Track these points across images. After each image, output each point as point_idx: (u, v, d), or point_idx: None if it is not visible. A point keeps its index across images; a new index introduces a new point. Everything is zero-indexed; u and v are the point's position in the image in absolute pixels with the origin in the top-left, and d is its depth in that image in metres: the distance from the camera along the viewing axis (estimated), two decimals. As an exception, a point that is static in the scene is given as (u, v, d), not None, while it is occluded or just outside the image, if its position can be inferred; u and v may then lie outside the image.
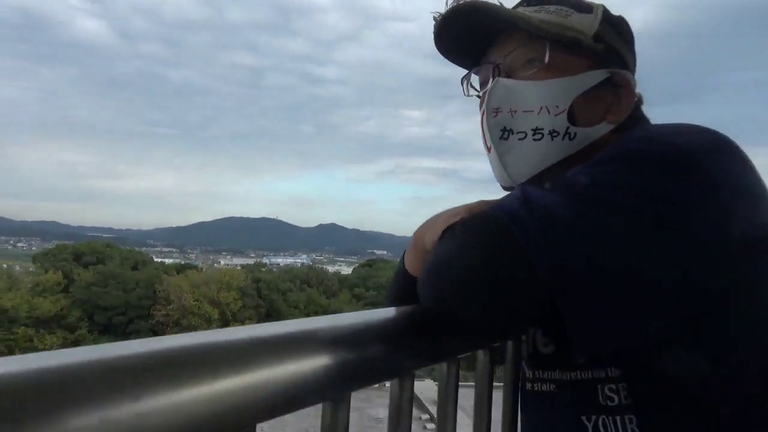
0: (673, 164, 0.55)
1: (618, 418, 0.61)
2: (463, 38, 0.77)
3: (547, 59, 0.71)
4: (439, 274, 0.57)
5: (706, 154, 0.56)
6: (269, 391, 0.37)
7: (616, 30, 0.75)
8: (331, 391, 0.44)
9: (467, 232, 0.57)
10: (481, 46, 0.78)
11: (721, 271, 0.54)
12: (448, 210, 0.67)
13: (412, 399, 0.55)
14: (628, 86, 0.73)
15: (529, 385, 0.73)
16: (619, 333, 0.55)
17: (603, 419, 0.62)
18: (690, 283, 0.53)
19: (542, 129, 0.71)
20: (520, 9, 0.75)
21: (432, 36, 0.78)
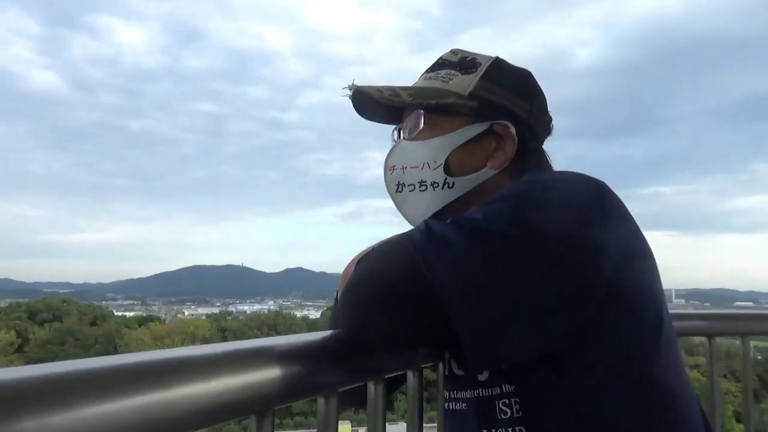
0: (551, 204, 0.65)
1: (510, 430, 0.69)
2: (377, 110, 0.89)
3: (421, 125, 0.84)
4: (351, 294, 0.64)
5: (580, 196, 0.67)
6: (195, 405, 0.43)
7: (500, 83, 0.85)
8: (257, 405, 0.50)
9: (375, 258, 0.65)
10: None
11: (596, 292, 0.63)
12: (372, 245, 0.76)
13: (337, 418, 0.60)
14: (508, 134, 0.83)
15: (447, 405, 0.80)
16: (506, 349, 0.62)
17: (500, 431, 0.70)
18: (567, 303, 0.62)
19: (425, 181, 0.83)
20: (421, 76, 0.88)
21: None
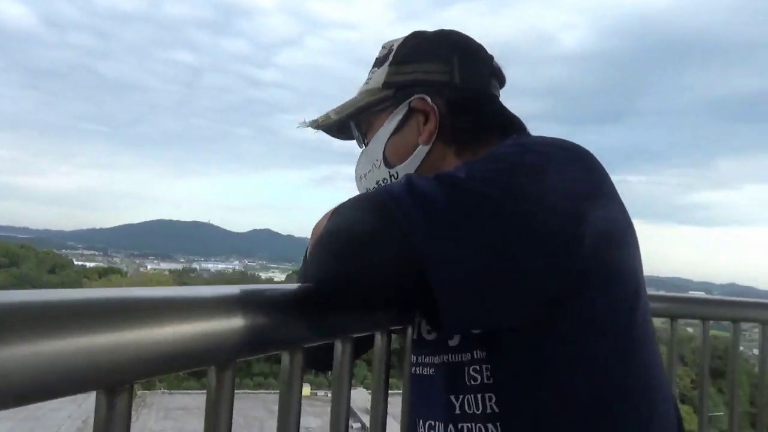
0: (538, 168, 0.62)
1: (479, 396, 0.68)
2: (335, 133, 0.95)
3: (355, 133, 0.91)
4: (323, 246, 0.61)
5: (567, 163, 0.65)
6: (151, 350, 0.39)
7: (410, 60, 0.84)
8: (216, 356, 0.46)
9: (350, 210, 0.62)
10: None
11: (575, 261, 0.61)
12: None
13: (302, 375, 0.58)
14: (427, 106, 0.81)
15: (413, 369, 0.78)
16: (481, 313, 0.61)
17: (468, 398, 0.69)
18: (546, 271, 0.60)
19: (379, 181, 0.85)
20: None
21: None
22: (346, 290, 0.59)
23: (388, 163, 0.84)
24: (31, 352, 0.32)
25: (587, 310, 0.64)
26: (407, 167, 0.82)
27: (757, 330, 1.44)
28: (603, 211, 0.65)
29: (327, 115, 0.89)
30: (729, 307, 1.45)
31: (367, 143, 0.89)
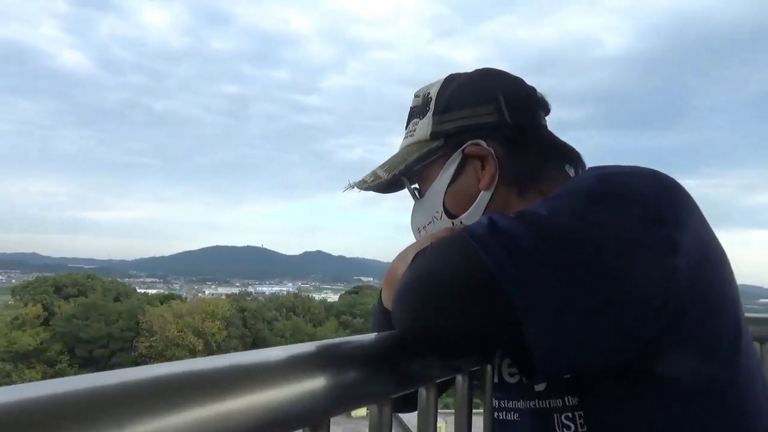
0: (622, 199, 0.59)
1: None
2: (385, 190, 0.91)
3: (408, 188, 0.86)
4: (410, 294, 0.59)
5: (653, 192, 0.61)
6: (245, 421, 0.38)
7: (453, 107, 0.81)
8: (310, 417, 0.45)
9: (435, 254, 0.59)
10: None
11: (671, 294, 0.57)
12: (416, 242, 0.70)
13: (391, 424, 0.56)
14: (481, 150, 0.78)
15: (495, 414, 0.75)
16: (577, 354, 0.57)
17: None
18: (643, 307, 0.56)
19: None
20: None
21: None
22: (434, 339, 0.57)
23: (450, 214, 0.81)
24: None
25: (687, 345, 0.59)
26: (471, 216, 0.79)
27: None
28: (695, 238, 0.60)
29: (375, 174, 0.86)
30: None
31: (422, 195, 0.86)
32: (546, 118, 0.85)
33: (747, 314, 1.40)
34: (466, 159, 0.80)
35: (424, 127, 0.83)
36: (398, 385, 0.56)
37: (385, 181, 0.84)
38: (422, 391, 0.63)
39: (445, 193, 0.81)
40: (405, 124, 0.89)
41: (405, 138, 0.87)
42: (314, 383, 0.45)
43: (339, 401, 0.47)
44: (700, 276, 0.59)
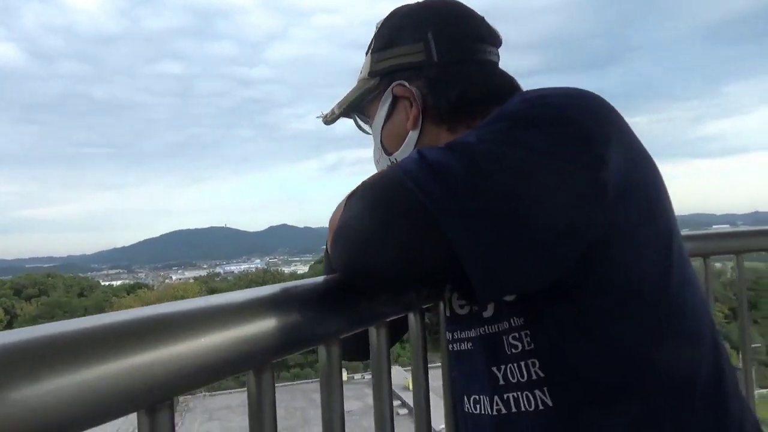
0: (549, 120, 0.60)
1: (522, 364, 0.66)
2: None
3: (359, 126, 0.93)
4: (345, 236, 0.60)
5: (579, 110, 0.62)
6: (187, 364, 0.39)
7: (388, 44, 0.83)
8: (253, 360, 0.46)
9: (368, 194, 0.60)
10: None
11: (602, 209, 0.59)
12: None
13: (341, 367, 0.57)
14: (406, 91, 0.81)
15: (450, 346, 0.77)
16: (514, 276, 0.58)
17: (510, 367, 0.67)
18: (575, 223, 0.58)
19: (384, 168, 0.84)
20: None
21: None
22: (374, 277, 0.58)
23: (387, 151, 0.85)
24: (68, 383, 0.32)
25: (620, 258, 0.62)
26: (402, 154, 0.81)
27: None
28: (624, 154, 0.62)
29: (332, 110, 0.91)
30: (764, 237, 1.42)
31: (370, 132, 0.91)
32: (498, 52, 0.85)
33: (688, 232, 1.47)
34: (396, 99, 0.82)
35: (366, 65, 0.86)
36: (344, 326, 0.57)
37: (338, 117, 0.91)
38: (372, 331, 0.65)
39: (382, 130, 0.85)
40: None
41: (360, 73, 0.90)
42: (256, 327, 0.45)
43: (283, 344, 0.48)
44: (630, 190, 0.62)
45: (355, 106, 0.89)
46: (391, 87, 0.82)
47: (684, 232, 1.52)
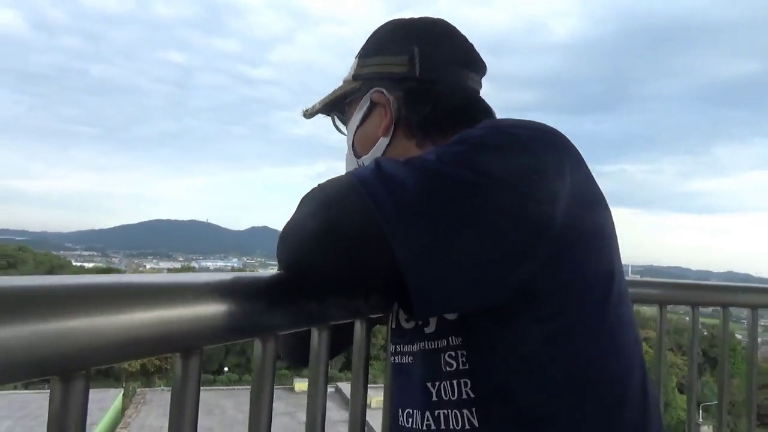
0: (508, 149, 0.61)
1: (455, 382, 0.67)
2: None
3: (335, 124, 0.94)
4: (291, 234, 0.60)
5: (538, 143, 0.63)
6: (108, 336, 0.39)
7: (374, 52, 0.86)
8: (181, 343, 0.46)
9: (318, 195, 0.61)
10: None
11: (546, 241, 0.60)
12: None
13: (275, 362, 0.57)
14: (383, 99, 0.83)
15: (393, 358, 0.78)
16: (452, 297, 0.59)
17: (443, 384, 0.68)
18: (517, 252, 0.59)
19: (350, 170, 0.85)
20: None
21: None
22: (316, 276, 0.59)
23: (356, 154, 0.87)
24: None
25: (559, 290, 0.63)
26: (370, 158, 0.83)
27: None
28: (576, 192, 0.64)
29: (314, 105, 0.92)
30: (718, 292, 1.45)
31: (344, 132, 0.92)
32: (481, 80, 0.87)
33: (647, 279, 1.49)
34: (373, 105, 0.84)
35: (352, 68, 0.88)
36: (284, 322, 0.57)
37: (318, 112, 0.92)
38: (314, 332, 0.65)
39: (355, 132, 0.87)
40: None
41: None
42: (192, 310, 0.45)
43: (216, 331, 0.48)
44: (576, 227, 0.63)
45: (335, 105, 0.90)
46: (370, 92, 0.83)
47: (644, 278, 1.55)
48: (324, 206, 0.59)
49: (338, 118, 0.94)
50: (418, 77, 0.80)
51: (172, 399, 0.47)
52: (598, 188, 0.69)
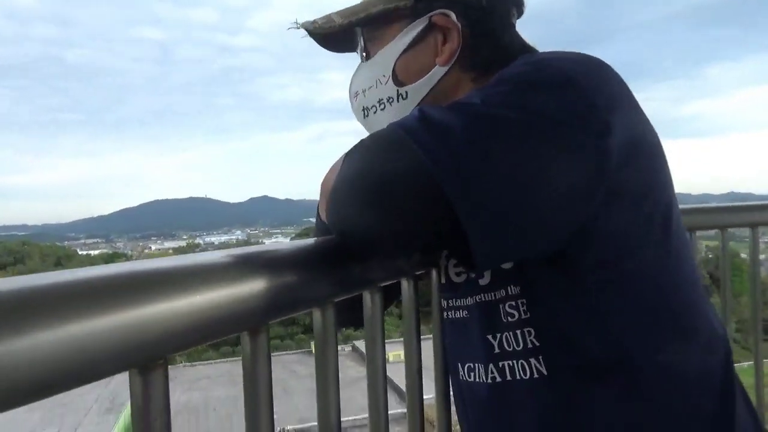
0: (555, 85, 0.58)
1: (519, 332, 0.66)
2: (331, 41, 0.84)
3: (361, 43, 0.81)
4: (340, 195, 0.58)
5: (584, 75, 0.60)
6: (182, 322, 0.37)
7: None
8: (248, 321, 0.44)
9: (365, 151, 0.58)
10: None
11: (603, 178, 0.58)
12: None
13: (335, 329, 0.56)
14: (450, 23, 0.74)
15: (445, 314, 0.77)
16: (513, 243, 0.57)
17: (506, 335, 0.67)
18: (577, 190, 0.57)
19: (383, 99, 0.79)
20: None
21: None
22: (374, 239, 0.56)
23: (398, 81, 0.77)
24: (55, 337, 0.30)
25: (619, 228, 0.61)
26: (419, 88, 0.76)
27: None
28: (628, 122, 0.61)
29: (329, 18, 0.79)
30: (747, 213, 1.45)
31: (369, 55, 0.80)
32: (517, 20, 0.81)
33: (680, 206, 1.48)
34: (430, 28, 0.75)
35: None
36: (338, 289, 0.56)
37: (338, 28, 0.78)
38: (366, 296, 0.63)
39: (399, 57, 0.77)
40: None
41: None
42: (251, 287, 0.44)
43: (277, 306, 0.46)
44: (631, 158, 0.60)
45: (367, 22, 0.78)
46: (431, 13, 0.75)
47: (702, 204, 1.54)
48: (372, 163, 0.56)
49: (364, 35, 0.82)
50: (485, 7, 0.75)
51: (244, 378, 0.46)
52: (646, 117, 0.66)
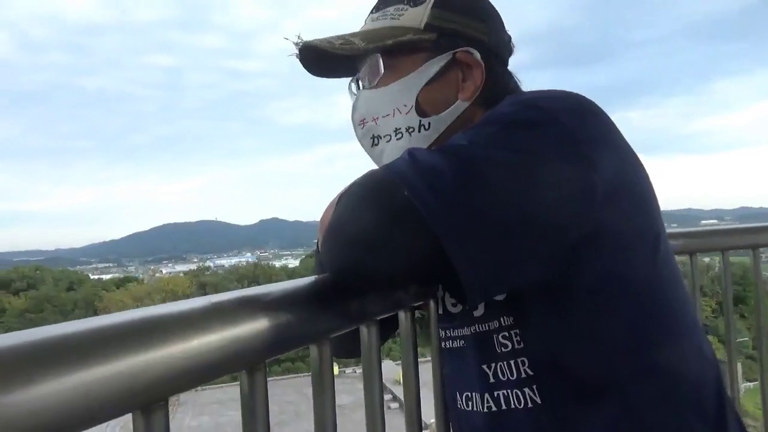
0: (539, 123, 0.61)
1: (512, 362, 0.68)
2: (327, 63, 0.83)
3: (381, 70, 0.79)
4: (336, 236, 0.60)
5: (568, 113, 0.63)
6: (182, 365, 0.39)
7: (453, 8, 0.79)
8: (246, 360, 0.46)
9: (358, 194, 0.61)
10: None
11: (590, 210, 0.60)
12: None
13: (332, 365, 0.58)
14: (472, 61, 0.78)
15: (443, 344, 0.79)
16: (502, 276, 0.60)
17: (500, 365, 0.69)
18: (561, 224, 0.59)
19: (400, 128, 0.79)
20: (367, 18, 0.83)
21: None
22: (365, 278, 0.59)
23: (421, 112, 0.78)
24: (64, 385, 0.32)
25: (607, 258, 0.63)
26: (442, 120, 0.78)
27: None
28: (612, 156, 0.64)
29: (347, 40, 0.77)
30: (747, 235, 1.45)
31: (379, 84, 0.80)
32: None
33: (674, 229, 1.49)
34: (452, 63, 0.78)
35: (418, 15, 0.78)
36: (335, 325, 0.58)
37: (360, 51, 0.77)
38: (363, 329, 0.66)
39: (423, 89, 0.78)
40: (375, 8, 0.83)
41: (378, 19, 0.81)
42: (249, 328, 0.46)
43: (275, 344, 0.49)
44: (618, 192, 0.63)
45: (393, 49, 0.78)
46: (456, 50, 0.78)
47: (671, 229, 1.55)
48: (365, 205, 0.59)
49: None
50: (494, 50, 0.80)
51: (243, 414, 0.48)
52: (631, 148, 0.69)
